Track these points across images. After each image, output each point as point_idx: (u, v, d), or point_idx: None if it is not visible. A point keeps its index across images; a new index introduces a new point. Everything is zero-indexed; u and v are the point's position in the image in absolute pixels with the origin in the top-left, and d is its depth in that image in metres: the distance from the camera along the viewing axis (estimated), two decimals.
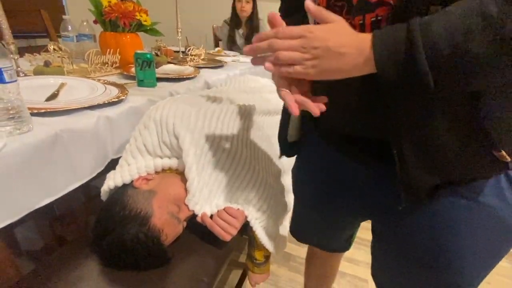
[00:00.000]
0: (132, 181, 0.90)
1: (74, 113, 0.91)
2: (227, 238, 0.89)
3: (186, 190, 0.90)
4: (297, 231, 1.04)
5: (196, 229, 0.98)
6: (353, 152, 0.71)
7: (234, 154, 0.97)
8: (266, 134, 1.14)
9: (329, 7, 0.55)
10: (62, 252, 0.87)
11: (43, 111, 0.86)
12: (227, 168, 0.95)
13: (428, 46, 0.42)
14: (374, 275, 0.84)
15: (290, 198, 1.14)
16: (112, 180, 0.90)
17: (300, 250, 1.94)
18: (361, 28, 0.52)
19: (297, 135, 0.90)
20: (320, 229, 0.95)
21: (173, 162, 0.95)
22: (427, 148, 0.53)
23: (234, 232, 0.90)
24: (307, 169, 0.88)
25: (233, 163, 0.95)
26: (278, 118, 0.92)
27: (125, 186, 0.89)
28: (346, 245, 1.04)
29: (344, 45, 0.47)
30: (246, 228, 1.00)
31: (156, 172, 0.94)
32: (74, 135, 0.86)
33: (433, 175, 0.56)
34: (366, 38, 0.46)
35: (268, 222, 1.00)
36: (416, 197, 0.59)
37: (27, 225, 1.06)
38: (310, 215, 0.93)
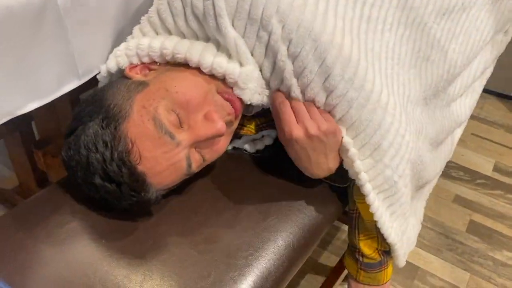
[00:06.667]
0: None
1: None
2: (296, 132, 0.60)
3: (207, 93, 0.59)
4: None
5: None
6: None
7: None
8: None
9: None
10: (42, 195, 0.66)
11: None
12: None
13: None
14: None
15: (440, 154, 0.79)
16: (105, 64, 0.64)
17: (432, 265, 1.20)
18: None
19: None
20: None
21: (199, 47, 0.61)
22: None
23: (315, 130, 0.59)
24: None
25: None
26: None
27: (120, 73, 0.65)
28: None
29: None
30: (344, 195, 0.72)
31: (168, 63, 0.63)
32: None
33: None
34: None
35: (393, 185, 0.64)
36: None
37: None
38: None
